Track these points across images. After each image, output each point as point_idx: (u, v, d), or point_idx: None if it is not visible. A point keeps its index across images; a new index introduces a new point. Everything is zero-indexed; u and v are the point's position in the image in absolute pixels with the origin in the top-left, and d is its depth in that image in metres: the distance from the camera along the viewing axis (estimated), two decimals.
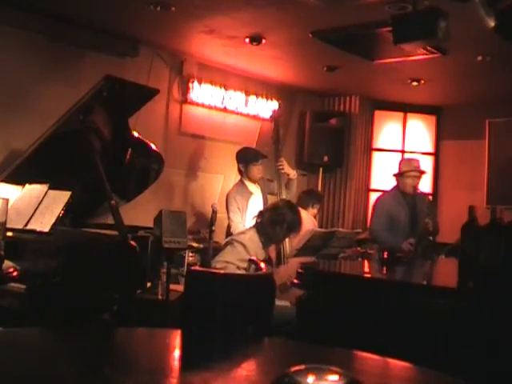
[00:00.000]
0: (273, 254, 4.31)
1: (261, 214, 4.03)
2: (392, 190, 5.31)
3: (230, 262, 3.66)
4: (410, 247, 4.80)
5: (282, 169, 5.18)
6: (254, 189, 5.22)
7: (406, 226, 5.01)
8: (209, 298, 1.86)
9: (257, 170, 5.16)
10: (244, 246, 3.76)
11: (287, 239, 4.39)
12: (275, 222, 3.87)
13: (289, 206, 4.06)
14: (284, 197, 5.02)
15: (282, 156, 5.32)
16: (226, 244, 3.90)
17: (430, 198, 6.73)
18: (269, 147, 5.56)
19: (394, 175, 5.23)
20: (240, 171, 5.28)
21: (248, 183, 5.21)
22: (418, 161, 5.30)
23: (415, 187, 5.12)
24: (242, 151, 5.35)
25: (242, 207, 5.08)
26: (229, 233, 5.04)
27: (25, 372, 1.21)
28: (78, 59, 5.22)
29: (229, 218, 5.11)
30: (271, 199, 5.13)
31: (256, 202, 5.11)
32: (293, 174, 5.27)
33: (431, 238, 5.01)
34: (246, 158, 5.23)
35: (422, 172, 5.22)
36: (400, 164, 5.26)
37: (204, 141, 6.43)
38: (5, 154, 4.63)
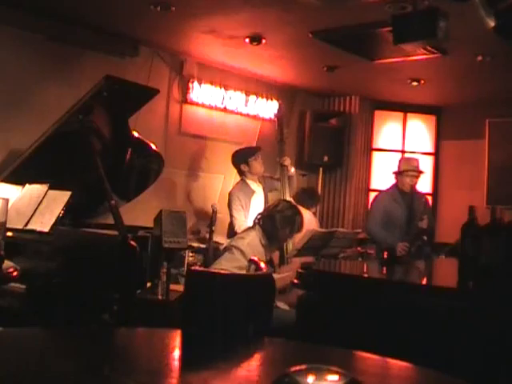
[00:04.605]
0: (276, 255, 4.30)
1: (262, 217, 3.93)
2: (390, 188, 5.37)
3: (227, 270, 3.61)
4: (405, 249, 4.83)
5: (286, 165, 5.20)
6: (256, 187, 5.23)
7: (402, 224, 5.04)
8: (209, 298, 1.86)
9: (258, 163, 5.19)
10: (242, 252, 3.66)
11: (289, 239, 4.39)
12: (285, 223, 3.83)
13: (290, 205, 4.05)
14: (287, 193, 5.06)
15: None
16: (225, 250, 3.85)
17: (429, 197, 6.74)
18: (269, 147, 5.56)
19: (394, 173, 5.29)
20: (241, 172, 5.27)
21: (250, 182, 5.22)
22: (417, 160, 5.36)
23: (413, 186, 5.18)
24: (237, 153, 5.38)
25: (245, 205, 5.08)
26: (231, 232, 5.02)
27: (25, 372, 1.21)
28: (78, 59, 5.22)
29: (232, 216, 5.08)
30: (271, 196, 5.15)
31: (258, 201, 5.13)
32: (291, 170, 5.29)
33: (425, 237, 5.04)
34: (244, 156, 5.25)
35: (421, 172, 5.27)
36: (400, 162, 5.32)
37: (204, 141, 6.43)
38: (5, 153, 4.63)
